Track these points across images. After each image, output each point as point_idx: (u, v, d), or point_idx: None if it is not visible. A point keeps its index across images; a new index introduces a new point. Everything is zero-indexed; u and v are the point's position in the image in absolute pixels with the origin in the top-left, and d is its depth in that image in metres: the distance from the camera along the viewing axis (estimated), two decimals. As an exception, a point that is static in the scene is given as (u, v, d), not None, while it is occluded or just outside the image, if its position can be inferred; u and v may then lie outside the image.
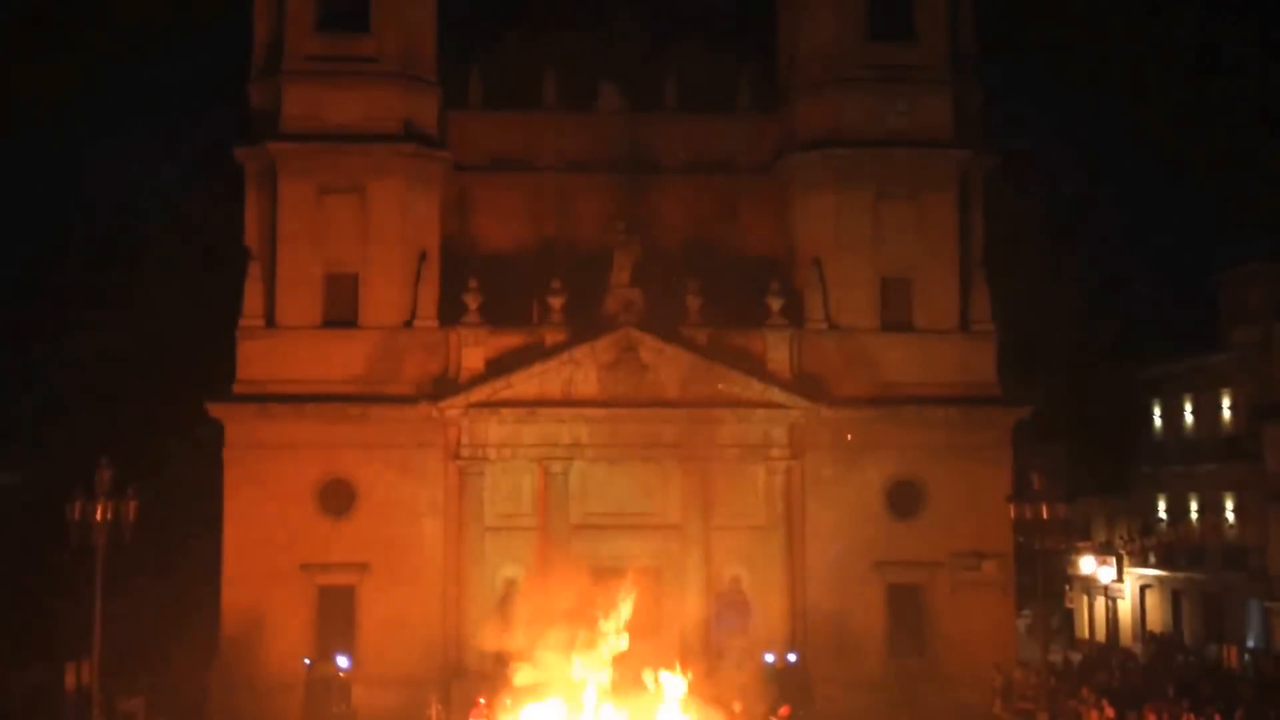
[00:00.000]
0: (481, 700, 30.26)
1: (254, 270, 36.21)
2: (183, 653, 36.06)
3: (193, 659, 35.71)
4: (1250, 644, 41.28)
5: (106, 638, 30.24)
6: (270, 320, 36.27)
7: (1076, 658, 44.26)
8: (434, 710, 28.94)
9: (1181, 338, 46.64)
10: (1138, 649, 45.60)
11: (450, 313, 36.41)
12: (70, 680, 33.20)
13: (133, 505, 31.43)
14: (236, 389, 35.89)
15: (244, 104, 37.82)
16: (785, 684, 32.75)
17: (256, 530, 35.29)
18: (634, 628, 29.66)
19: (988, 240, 37.88)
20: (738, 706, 30.36)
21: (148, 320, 41.64)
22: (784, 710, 30.35)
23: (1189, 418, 46.99)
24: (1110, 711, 31.05)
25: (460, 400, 35.64)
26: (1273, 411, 41.30)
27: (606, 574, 32.65)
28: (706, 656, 32.46)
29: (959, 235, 37.42)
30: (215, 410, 35.56)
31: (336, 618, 35.73)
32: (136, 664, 35.75)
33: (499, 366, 35.95)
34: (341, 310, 36.41)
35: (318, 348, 36.09)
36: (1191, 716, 28.17)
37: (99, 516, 30.27)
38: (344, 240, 36.35)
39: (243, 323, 36.10)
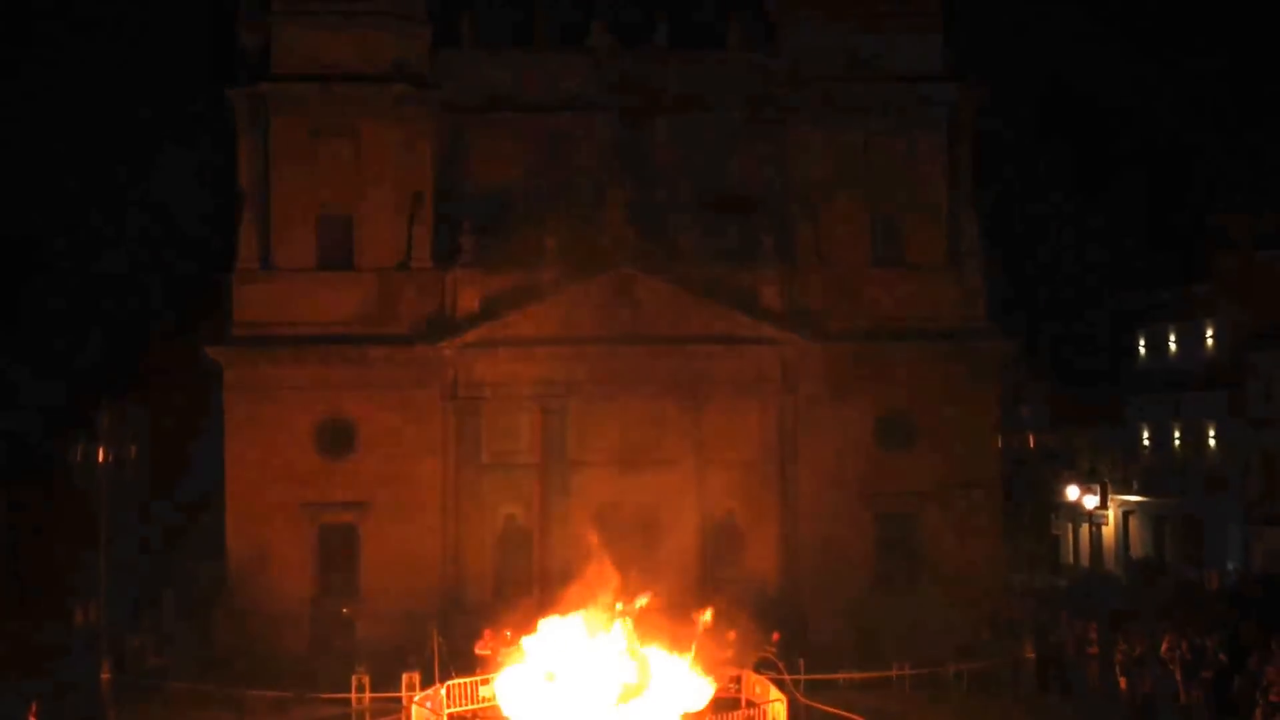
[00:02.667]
0: (487, 631, 30.92)
1: (248, 213, 36.37)
2: (188, 592, 36.73)
3: (198, 598, 36.36)
4: (1230, 567, 42.23)
5: (112, 579, 30.87)
6: (266, 263, 36.51)
7: (1062, 583, 45.20)
8: (435, 643, 29.47)
9: (1165, 268, 47.16)
10: (1121, 574, 46.58)
11: (446, 253, 36.72)
12: (79, 619, 33.86)
13: (133, 449, 31.99)
14: (234, 332, 36.21)
15: (235, 44, 37.77)
16: (778, 613, 33.60)
17: (258, 471, 35.75)
18: (631, 561, 30.27)
19: (977, 174, 38.23)
20: (732, 635, 31.17)
21: (142, 266, 41.80)
22: (775, 636, 31.15)
23: (1173, 347, 47.65)
24: (1094, 635, 31.89)
25: (456, 340, 36.04)
26: (1255, 340, 41.98)
27: (606, 510, 33.36)
28: (702, 588, 33.08)
29: (949, 170, 37.75)
30: (214, 353, 35.90)
31: (338, 555, 36.36)
32: (143, 603, 36.47)
33: (495, 306, 36.30)
34: (337, 252, 36.65)
35: (314, 290, 36.38)
36: (1172, 638, 28.88)
37: (100, 459, 30.81)
38: (338, 182, 36.48)
39: (239, 266, 36.32)
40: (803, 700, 29.50)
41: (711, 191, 37.90)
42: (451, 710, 27.54)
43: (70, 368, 40.51)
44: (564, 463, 36.31)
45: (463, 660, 29.87)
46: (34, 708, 23.59)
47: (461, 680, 28.53)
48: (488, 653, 30.13)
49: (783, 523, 36.70)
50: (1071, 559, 52.30)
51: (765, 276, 37.00)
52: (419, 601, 34.88)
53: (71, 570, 35.14)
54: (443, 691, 27.58)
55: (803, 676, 30.65)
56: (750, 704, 28.32)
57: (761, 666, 29.54)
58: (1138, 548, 48.17)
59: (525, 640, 28.26)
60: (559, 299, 36.17)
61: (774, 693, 27.64)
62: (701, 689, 27.88)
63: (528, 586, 33.87)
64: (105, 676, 29.37)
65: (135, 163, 44.35)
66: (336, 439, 36.31)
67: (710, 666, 28.96)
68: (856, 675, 31.41)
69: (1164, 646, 28.86)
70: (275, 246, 36.61)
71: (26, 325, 41.65)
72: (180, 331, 38.26)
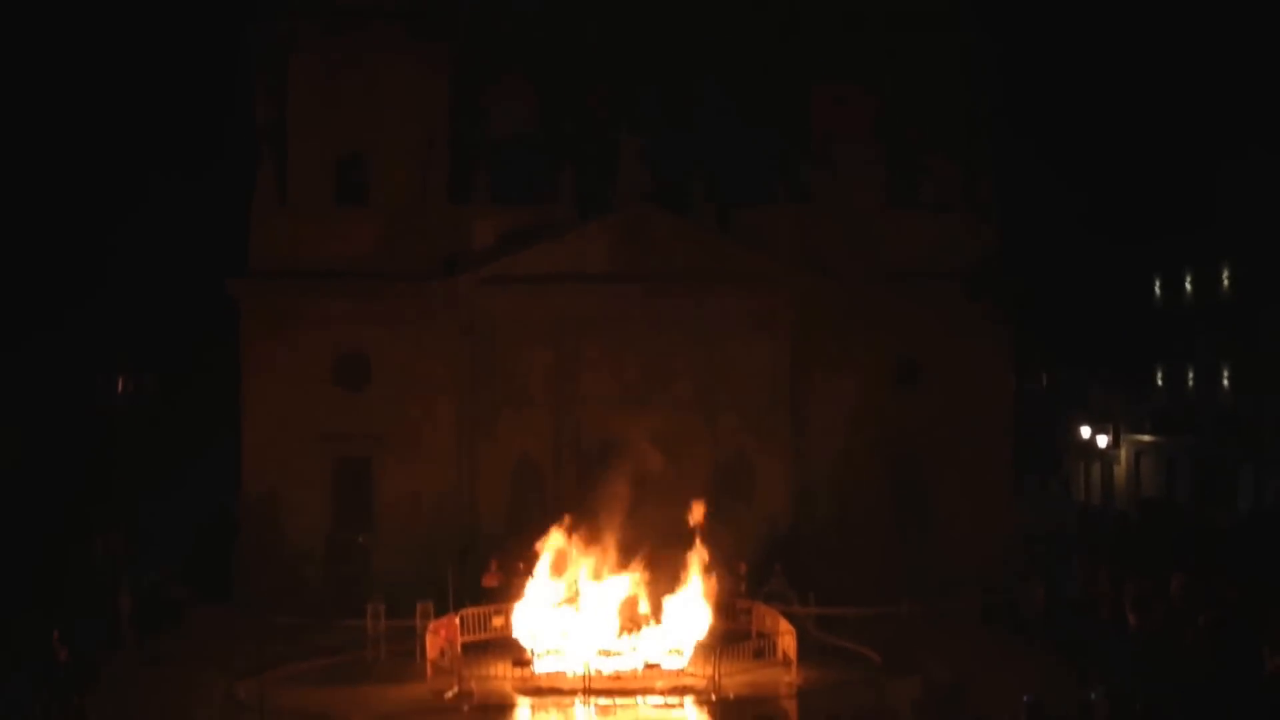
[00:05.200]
0: (495, 563, 31.33)
1: (265, 150, 36.49)
2: (206, 523, 37.16)
3: (216, 529, 36.80)
4: (1241, 507, 42.41)
5: (131, 513, 31.34)
6: (283, 200, 36.67)
7: (1072, 523, 45.41)
8: (450, 576, 29.88)
9: (1182, 210, 46.99)
10: (1131, 513, 46.77)
11: (461, 191, 36.82)
12: (99, 550, 34.30)
13: (153, 380, 32.36)
14: (251, 266, 36.44)
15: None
16: (788, 548, 33.97)
17: (274, 404, 36.04)
18: (642, 497, 30.62)
19: (993, 117, 38.05)
20: (743, 569, 31.56)
21: (160, 205, 41.93)
22: (778, 568, 31.50)
23: (1189, 287, 47.62)
24: (1104, 574, 32.12)
25: (471, 277, 36.21)
26: (1270, 282, 41.92)
27: (617, 446, 33.54)
28: (715, 524, 33.38)
29: (967, 110, 37.59)
30: (233, 288, 36.15)
31: (354, 488, 36.74)
32: (163, 536, 36.92)
33: (509, 243, 36.42)
34: (353, 190, 36.79)
35: (330, 226, 36.51)
36: (1182, 576, 29.08)
37: (120, 390, 31.19)
38: (354, 120, 36.44)
39: (255, 202, 36.52)
40: (813, 633, 29.92)
41: (729, 131, 37.85)
42: (465, 639, 28.02)
43: (89, 302, 40.69)
44: (577, 399, 36.55)
45: (476, 591, 30.32)
46: (56, 635, 23.98)
47: (474, 610, 29.02)
48: (496, 584, 30.60)
49: (793, 461, 36.90)
50: (1083, 498, 52.54)
51: (780, 216, 37.04)
52: (433, 535, 35.28)
53: (92, 502, 35.58)
54: (457, 620, 28.06)
55: (812, 610, 31.04)
56: (761, 635, 28.76)
57: (771, 598, 29.94)
58: (1149, 488, 48.36)
59: (537, 572, 28.75)
60: (573, 236, 36.28)
61: (784, 625, 28.06)
62: (711, 620, 28.33)
63: (540, 520, 34.08)
64: (126, 605, 29.84)
65: (150, 101, 44.24)
66: (352, 373, 36.60)
67: (721, 599, 29.41)
68: (865, 610, 31.76)
69: (1173, 585, 29.10)
70: (292, 184, 36.72)
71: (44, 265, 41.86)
72: (201, 270, 38.45)
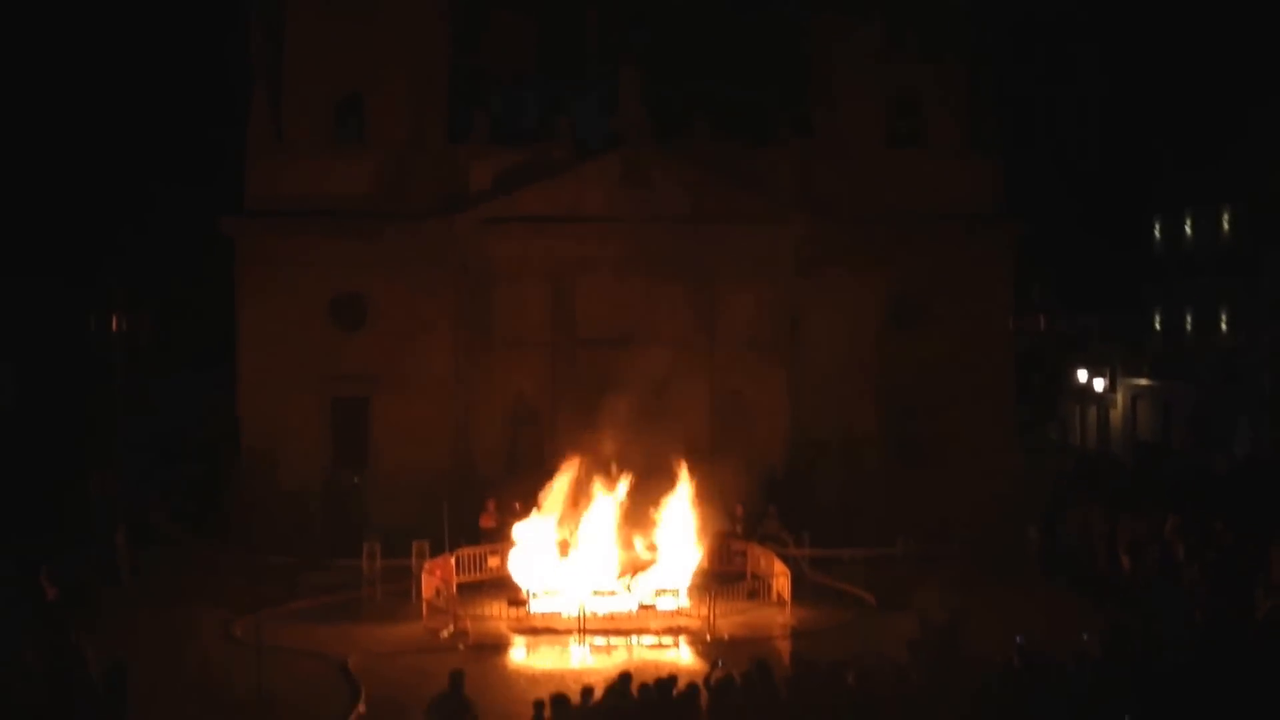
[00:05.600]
0: (491, 504, 31.36)
1: (261, 87, 36.18)
2: (202, 463, 37.17)
3: (212, 469, 36.81)
4: (1237, 452, 42.45)
5: (126, 452, 31.29)
6: (279, 139, 36.39)
7: (1068, 465, 45.42)
8: (445, 516, 29.90)
9: (1183, 151, 46.71)
10: (1127, 457, 46.82)
11: (460, 130, 36.57)
12: (95, 488, 34.30)
13: (146, 318, 32.21)
14: (247, 205, 36.24)
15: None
16: (785, 490, 34.05)
17: (270, 344, 35.95)
18: (639, 439, 30.63)
19: (996, 56, 37.75)
20: (740, 511, 31.60)
21: (156, 142, 41.60)
22: (772, 510, 31.53)
23: (1189, 231, 47.43)
24: (1100, 518, 32.15)
25: (468, 217, 36.03)
26: (1271, 226, 41.72)
27: (615, 387, 33.50)
28: (712, 466, 33.40)
29: (970, 52, 37.27)
30: (228, 226, 35.97)
31: (350, 429, 36.74)
32: (158, 475, 36.94)
33: (507, 183, 36.22)
34: (350, 128, 36.55)
35: (327, 165, 36.23)
36: (1177, 519, 29.11)
37: (115, 328, 31.04)
38: (351, 59, 36.13)
39: (251, 141, 36.24)
40: (808, 574, 30.01)
41: (729, 69, 37.56)
42: (460, 579, 28.10)
43: (82, 240, 40.51)
44: (574, 340, 36.49)
45: (472, 531, 30.36)
46: (45, 572, 23.98)
47: (470, 550, 29.08)
48: (492, 524, 30.65)
49: (791, 402, 36.90)
50: (1079, 441, 52.59)
51: (780, 156, 36.81)
52: (430, 475, 35.22)
53: (87, 440, 35.55)
54: (452, 561, 28.12)
55: (807, 552, 31.13)
56: (755, 577, 28.84)
57: (766, 540, 30.01)
58: (1145, 431, 48.40)
59: (533, 513, 28.78)
60: (571, 176, 36.08)
61: (779, 566, 28.13)
62: (706, 561, 28.42)
63: (537, 461, 34.15)
64: (121, 542, 29.88)
65: (147, 37, 43.80)
66: (349, 313, 36.53)
67: (717, 540, 29.49)
68: (860, 552, 31.85)
69: (1168, 527, 29.13)
70: (288, 122, 36.46)
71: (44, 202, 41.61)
72: (194, 206, 38.19)
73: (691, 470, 29.36)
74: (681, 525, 28.36)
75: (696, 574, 28.13)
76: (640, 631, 26.26)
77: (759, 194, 36.26)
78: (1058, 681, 17.03)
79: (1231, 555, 27.07)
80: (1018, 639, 18.80)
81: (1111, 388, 49.78)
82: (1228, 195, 44.78)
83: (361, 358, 36.45)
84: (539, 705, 16.84)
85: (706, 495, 29.37)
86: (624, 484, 28.41)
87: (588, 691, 17.41)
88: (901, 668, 17.52)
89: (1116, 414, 50.40)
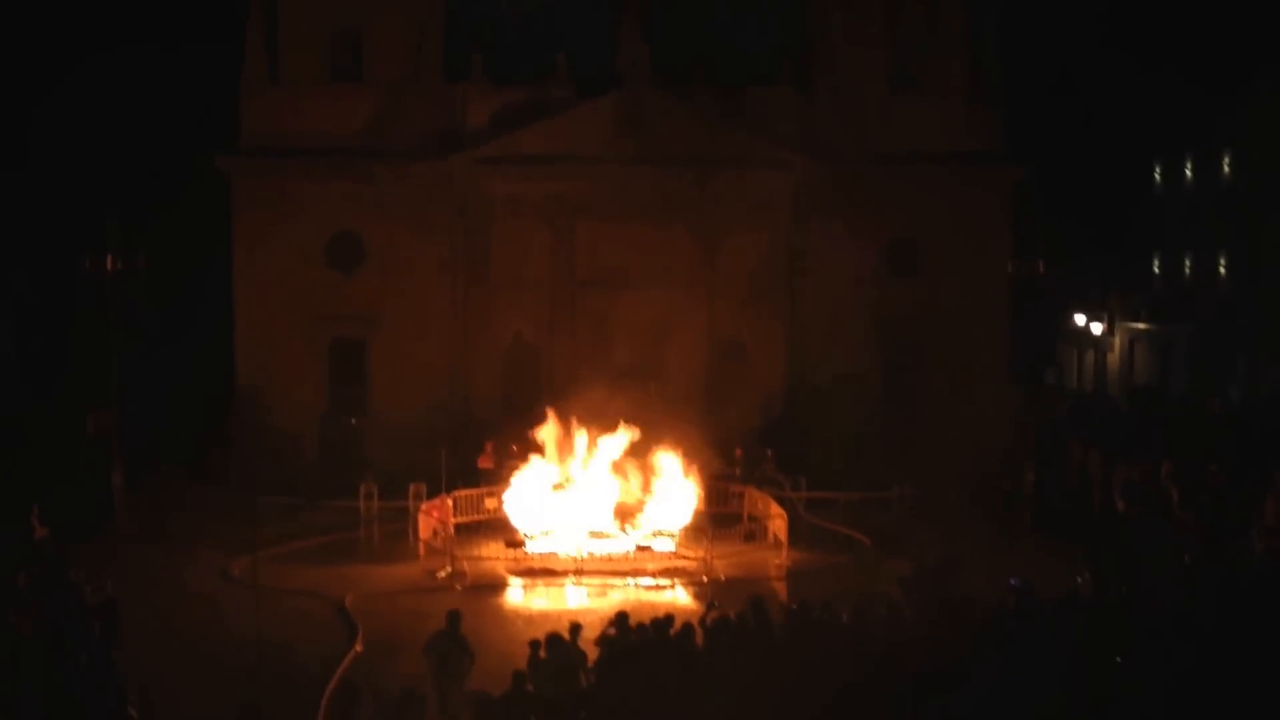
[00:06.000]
0: (489, 445, 31.41)
1: (256, 24, 35.82)
2: (199, 405, 37.13)
3: (209, 411, 36.79)
4: (1233, 396, 42.47)
5: (122, 391, 31.19)
6: (275, 77, 36.13)
7: (1064, 409, 45.44)
8: (442, 458, 30.03)
9: (1185, 94, 46.40)
10: (1123, 400, 46.83)
11: (457, 69, 36.29)
12: (91, 428, 34.31)
13: (142, 257, 32.03)
14: (242, 144, 36.03)
15: None
16: (782, 433, 34.12)
17: (267, 284, 35.86)
18: (637, 381, 30.65)
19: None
20: (739, 453, 31.68)
21: (149, 81, 41.21)
22: (769, 453, 31.59)
23: (1189, 174, 47.22)
24: (1096, 461, 32.20)
25: (466, 157, 35.82)
26: (1272, 169, 41.53)
27: (613, 330, 33.57)
28: (710, 409, 33.44)
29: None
30: (223, 164, 35.75)
31: (347, 369, 36.73)
32: (155, 416, 36.88)
33: (505, 123, 35.99)
34: (346, 66, 36.25)
35: (323, 104, 35.93)
36: (1171, 462, 29.15)
37: (109, 267, 30.88)
38: (348, -5, 35.92)
39: (246, 78, 35.95)
40: (804, 517, 30.13)
41: (730, 11, 37.27)
42: (457, 520, 28.19)
43: (78, 178, 40.20)
44: (572, 282, 36.38)
45: (469, 473, 30.42)
46: (35, 510, 24.00)
47: (467, 492, 29.15)
48: (490, 466, 30.71)
49: (789, 346, 36.89)
50: (1075, 384, 52.62)
51: (780, 99, 36.56)
52: (428, 417, 35.24)
53: (82, 381, 35.49)
54: (450, 502, 28.20)
55: (804, 495, 31.25)
56: (752, 519, 28.97)
57: (763, 483, 30.09)
58: (1142, 375, 48.40)
59: (531, 454, 28.84)
60: (570, 117, 35.81)
61: (775, 508, 28.22)
62: (702, 503, 28.51)
63: (534, 403, 34.14)
64: (118, 483, 29.93)
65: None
66: (346, 253, 36.37)
67: (713, 482, 29.58)
68: (856, 495, 31.96)
69: (1163, 471, 29.18)
70: (284, 60, 36.14)
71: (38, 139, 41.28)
72: (189, 145, 37.89)
73: (689, 413, 29.37)
74: (678, 468, 28.41)
75: (693, 516, 28.22)
76: (637, 573, 26.39)
77: (759, 137, 36.02)
78: (1050, 622, 17.12)
79: (1225, 499, 27.15)
80: (1011, 580, 18.92)
81: (1109, 331, 49.74)
82: (1229, 138, 44.52)
83: (358, 298, 36.35)
84: (535, 645, 16.96)
85: (704, 438, 29.43)
86: (621, 426, 28.42)
87: (576, 628, 17.53)
88: (895, 607, 17.63)
89: (1114, 358, 50.39)
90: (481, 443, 31.66)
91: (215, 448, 35.03)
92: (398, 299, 36.26)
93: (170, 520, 29.75)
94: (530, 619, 23.29)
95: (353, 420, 35.69)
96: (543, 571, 26.43)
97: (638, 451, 28.69)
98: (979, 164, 36.88)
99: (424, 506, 28.36)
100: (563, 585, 25.85)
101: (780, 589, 25.34)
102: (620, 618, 17.58)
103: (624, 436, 28.39)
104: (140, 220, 31.59)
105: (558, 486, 28.43)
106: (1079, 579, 19.32)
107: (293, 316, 35.93)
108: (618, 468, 28.54)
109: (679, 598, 25.07)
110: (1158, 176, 48.85)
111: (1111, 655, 15.68)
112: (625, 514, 28.33)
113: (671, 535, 27.73)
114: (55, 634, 17.52)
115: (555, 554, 26.85)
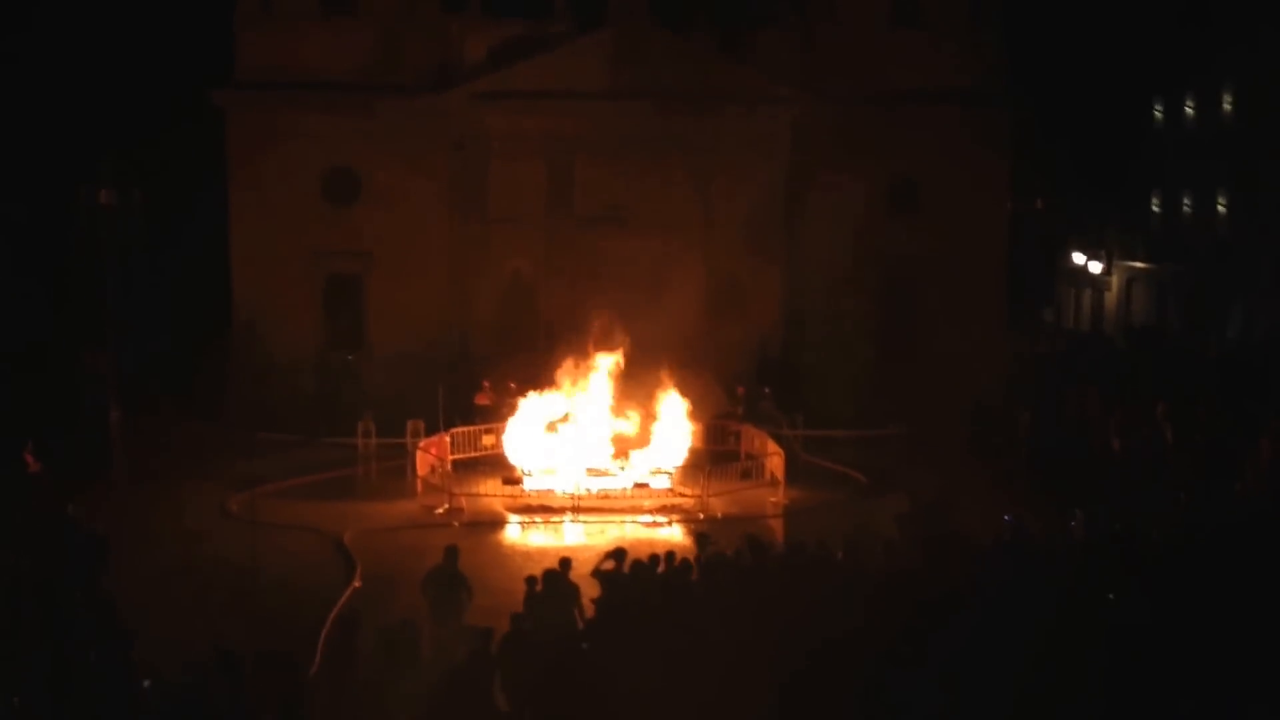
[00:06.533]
0: (486, 382, 31.42)
1: (250, -45, 35.53)
2: (194, 341, 37.06)
3: (205, 347, 36.73)
4: (1230, 336, 42.47)
5: (118, 328, 31.08)
6: (269, 8, 35.80)
7: (1062, 348, 45.47)
8: (440, 395, 30.06)
9: (1184, 31, 46.05)
10: (1120, 340, 46.84)
11: (454, 1, 36.00)
12: (88, 366, 34.27)
13: (137, 192, 31.84)
14: (238, 78, 35.77)
15: None
16: (778, 371, 34.15)
17: (263, 219, 35.78)
18: (635, 318, 30.64)
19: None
20: (740, 391, 31.72)
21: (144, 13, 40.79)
22: (766, 391, 31.58)
23: (1189, 112, 46.95)
24: (1094, 400, 32.23)
25: (462, 91, 35.59)
26: (1272, 108, 41.29)
27: (610, 266, 33.45)
28: (706, 348, 33.44)
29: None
30: (219, 98, 35.52)
31: (344, 306, 36.72)
32: (151, 352, 36.81)
33: (502, 57, 35.75)
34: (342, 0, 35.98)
35: (319, 37, 35.69)
36: (1167, 403, 29.17)
37: (104, 202, 30.69)
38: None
39: (239, 11, 35.66)
40: (801, 455, 30.19)
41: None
42: (455, 457, 28.25)
43: (70, 112, 39.89)
44: (570, 218, 36.26)
45: (467, 411, 30.46)
46: (29, 445, 24.01)
47: (465, 428, 29.19)
48: (488, 403, 30.72)
49: (785, 283, 36.83)
50: (1072, 324, 52.61)
51: (779, 35, 36.30)
52: (425, 353, 35.21)
53: (80, 317, 35.38)
54: (447, 439, 28.25)
55: (800, 433, 31.29)
56: (749, 457, 29.02)
57: (760, 421, 30.12)
58: (1140, 315, 48.37)
59: (528, 391, 28.84)
60: (568, 51, 35.55)
61: (772, 446, 28.27)
62: (699, 441, 28.56)
63: (532, 340, 34.18)
64: (115, 420, 29.90)
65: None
66: (342, 188, 36.27)
67: (713, 420, 29.63)
68: (853, 433, 32.03)
69: (1159, 410, 29.22)
70: (278, -7, 35.88)
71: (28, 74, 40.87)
72: (184, 79, 37.57)
73: (687, 351, 29.35)
74: (676, 405, 28.44)
75: (691, 454, 28.28)
76: (634, 510, 26.47)
77: (757, 74, 35.79)
78: (1044, 560, 17.21)
79: (1219, 439, 27.20)
80: (1006, 518, 19.01)
81: (1107, 270, 49.67)
82: (1229, 76, 44.21)
83: (355, 234, 36.27)
84: (531, 580, 17.04)
85: (701, 376, 29.44)
86: (619, 363, 28.40)
87: (566, 562, 17.61)
88: (891, 543, 17.72)
89: (1111, 297, 50.35)
90: (479, 380, 31.65)
91: (211, 384, 35.01)
92: (394, 235, 36.16)
93: (167, 457, 29.74)
94: (528, 555, 23.40)
95: (349, 356, 35.67)
96: (540, 509, 26.51)
97: (636, 389, 28.70)
98: (978, 102, 36.68)
99: (422, 444, 28.41)
100: (560, 522, 25.94)
101: (776, 526, 25.45)
102: (618, 553, 17.66)
103: (622, 374, 28.35)
104: (136, 155, 31.36)
105: (553, 426, 28.44)
106: (1073, 523, 19.37)
107: (289, 252, 35.86)
108: (615, 405, 28.54)
109: (676, 535, 25.16)
110: (1158, 114, 48.56)
111: (1104, 594, 15.75)
112: (623, 451, 28.35)
113: (669, 473, 27.79)
114: (51, 566, 17.59)
115: (553, 491, 26.92)
